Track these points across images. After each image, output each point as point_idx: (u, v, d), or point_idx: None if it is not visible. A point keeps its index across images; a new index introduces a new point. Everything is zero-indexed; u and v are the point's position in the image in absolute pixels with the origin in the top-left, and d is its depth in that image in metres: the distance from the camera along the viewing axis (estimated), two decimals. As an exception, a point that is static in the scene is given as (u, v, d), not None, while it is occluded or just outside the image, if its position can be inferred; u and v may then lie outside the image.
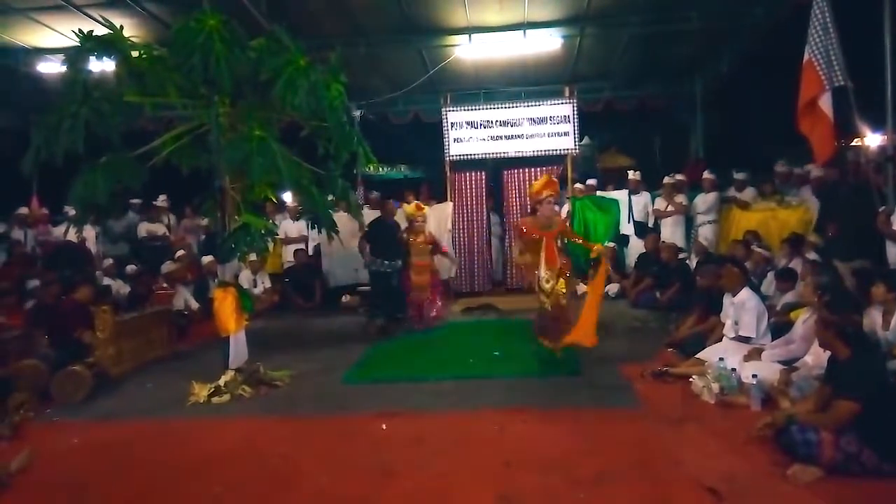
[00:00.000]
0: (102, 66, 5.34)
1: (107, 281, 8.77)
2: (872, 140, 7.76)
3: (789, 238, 7.38)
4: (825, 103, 5.99)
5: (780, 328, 5.43)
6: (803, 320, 4.90)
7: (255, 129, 5.16)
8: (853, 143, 7.44)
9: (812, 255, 6.69)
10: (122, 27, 5.39)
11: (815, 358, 4.48)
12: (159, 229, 10.36)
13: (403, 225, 8.28)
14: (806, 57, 6.07)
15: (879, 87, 6.23)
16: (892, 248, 5.20)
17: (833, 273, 5.77)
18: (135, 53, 5.30)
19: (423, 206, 8.43)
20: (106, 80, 5.38)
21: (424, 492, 3.60)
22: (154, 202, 10.67)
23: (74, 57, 5.22)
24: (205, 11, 5.09)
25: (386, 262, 7.85)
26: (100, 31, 5.30)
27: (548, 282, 5.92)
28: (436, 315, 8.15)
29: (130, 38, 5.45)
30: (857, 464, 3.43)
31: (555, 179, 6.49)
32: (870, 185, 5.92)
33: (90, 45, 5.20)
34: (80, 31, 5.25)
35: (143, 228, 10.26)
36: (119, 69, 5.27)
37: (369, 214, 9.88)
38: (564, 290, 5.98)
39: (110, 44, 5.25)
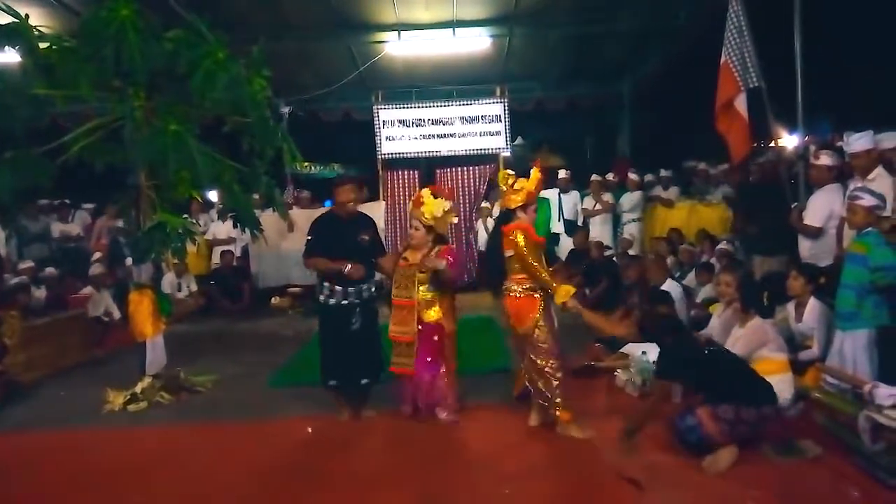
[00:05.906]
0: (6, 57, 5.03)
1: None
2: (789, 141, 8.12)
3: (707, 234, 7.70)
4: (740, 104, 6.22)
5: (700, 321, 5.60)
6: (718, 314, 5.05)
7: (170, 123, 4.96)
8: (771, 145, 7.75)
9: (725, 246, 6.97)
10: (27, 16, 5.08)
11: (732, 349, 4.62)
12: (73, 230, 9.88)
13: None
14: (722, 59, 6.29)
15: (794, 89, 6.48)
16: (805, 243, 5.43)
17: (746, 268, 5.99)
18: (44, 45, 5.01)
19: (436, 193, 4.64)
20: (9, 71, 5.06)
21: (349, 495, 3.55)
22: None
23: (-28, 47, 4.89)
24: (117, 0, 4.85)
25: (340, 287, 4.52)
26: (3, 19, 4.98)
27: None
28: (443, 403, 4.50)
29: (38, 28, 5.14)
30: (744, 424, 3.57)
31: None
32: (782, 184, 6.17)
33: (-9, 34, 4.88)
34: (-22, 19, 4.93)
35: (57, 229, 9.74)
36: (26, 61, 4.97)
37: (299, 214, 9.71)
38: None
39: (14, 33, 4.93)
